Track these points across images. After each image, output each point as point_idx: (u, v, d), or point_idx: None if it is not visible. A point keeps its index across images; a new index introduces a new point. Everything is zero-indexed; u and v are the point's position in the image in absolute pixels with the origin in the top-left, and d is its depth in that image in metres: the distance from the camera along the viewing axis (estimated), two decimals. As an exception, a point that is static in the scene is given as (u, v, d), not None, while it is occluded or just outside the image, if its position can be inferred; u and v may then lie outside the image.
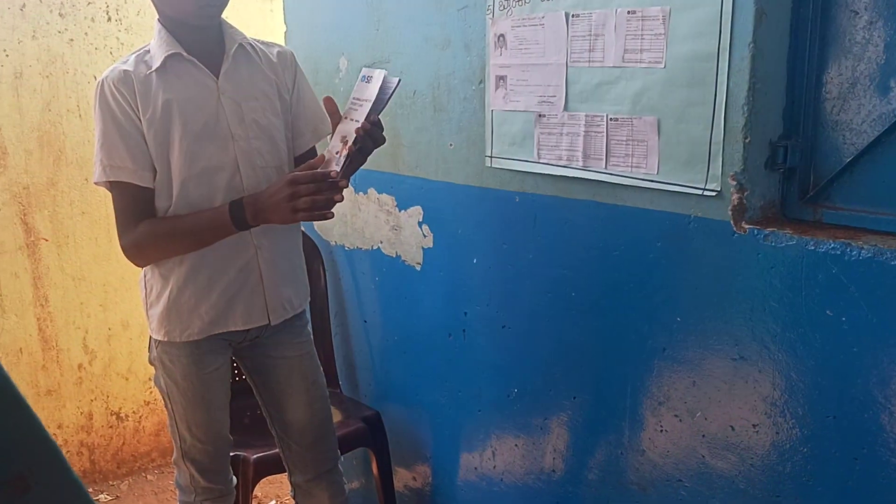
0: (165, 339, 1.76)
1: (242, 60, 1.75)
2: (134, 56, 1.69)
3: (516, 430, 2.06)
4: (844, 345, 1.38)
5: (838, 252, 1.37)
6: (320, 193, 1.55)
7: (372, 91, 1.57)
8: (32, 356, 2.82)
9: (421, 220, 2.20)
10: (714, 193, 1.51)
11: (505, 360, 2.05)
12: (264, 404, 1.94)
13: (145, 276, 1.79)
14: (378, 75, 1.57)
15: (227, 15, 3.13)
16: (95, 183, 1.68)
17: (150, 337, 1.81)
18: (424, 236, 2.20)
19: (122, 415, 3.06)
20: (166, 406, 1.84)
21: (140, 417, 3.11)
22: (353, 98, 1.61)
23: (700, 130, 1.52)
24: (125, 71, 1.64)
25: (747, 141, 1.45)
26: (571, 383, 1.90)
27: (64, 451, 2.95)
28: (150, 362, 1.83)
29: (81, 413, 2.97)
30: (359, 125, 1.56)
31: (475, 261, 2.06)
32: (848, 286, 1.36)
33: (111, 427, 3.05)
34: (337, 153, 1.59)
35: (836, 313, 1.38)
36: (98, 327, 2.95)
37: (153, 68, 1.65)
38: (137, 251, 1.68)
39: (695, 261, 1.58)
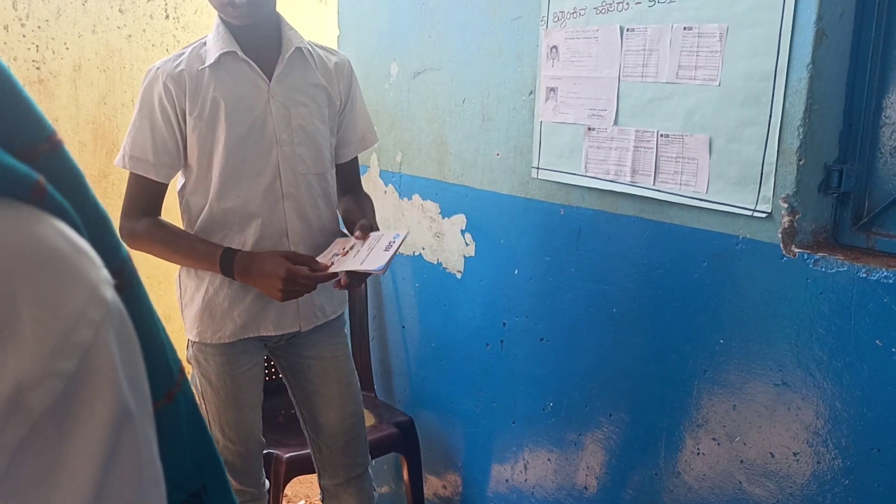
0: (198, 340, 1.77)
1: (297, 64, 1.74)
2: (190, 49, 1.70)
3: (550, 444, 2.04)
4: (893, 376, 1.34)
5: (891, 281, 1.33)
6: (306, 290, 1.63)
7: (388, 254, 1.59)
8: (76, 344, 2.87)
9: (464, 228, 2.20)
10: (764, 215, 1.48)
11: (542, 373, 2.04)
12: (297, 404, 1.94)
13: (181, 276, 1.81)
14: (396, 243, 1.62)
15: (288, 15, 3.18)
16: (116, 164, 1.74)
17: (188, 339, 1.83)
18: (467, 244, 2.20)
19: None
20: (200, 406, 1.84)
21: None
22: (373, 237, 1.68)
23: (753, 150, 1.49)
24: (180, 71, 1.66)
25: (801, 163, 1.43)
26: (608, 400, 1.87)
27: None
28: (188, 360, 1.84)
29: (120, 402, 3.01)
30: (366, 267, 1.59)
31: (516, 271, 2.06)
32: (900, 316, 1.33)
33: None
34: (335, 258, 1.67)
35: (885, 344, 1.35)
36: (140, 319, 2.99)
37: (206, 64, 1.66)
38: (131, 240, 1.70)
39: (741, 282, 1.56)
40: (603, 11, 1.74)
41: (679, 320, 1.68)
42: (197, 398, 1.84)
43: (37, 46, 2.66)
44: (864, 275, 1.37)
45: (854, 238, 1.46)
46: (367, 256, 1.60)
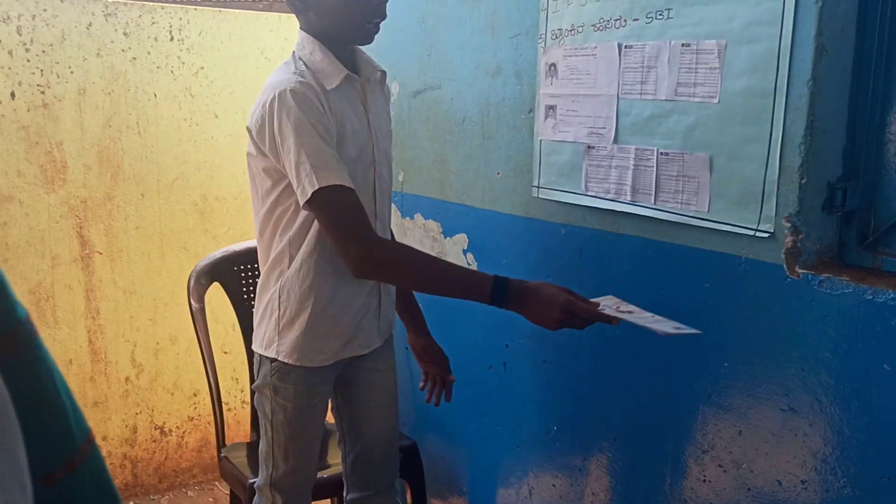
0: (297, 364, 1.69)
1: (378, 88, 1.74)
2: (297, 71, 1.58)
3: (554, 468, 2.00)
4: (902, 402, 1.30)
5: (898, 303, 1.29)
6: (581, 324, 1.52)
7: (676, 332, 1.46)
8: (81, 367, 2.86)
9: (466, 247, 2.17)
10: (767, 235, 1.44)
11: (545, 396, 2.00)
12: (339, 417, 1.90)
13: (279, 297, 1.69)
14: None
15: (286, 36, 3.16)
16: (314, 193, 1.47)
17: (262, 359, 1.74)
18: (468, 264, 2.17)
19: (166, 429, 3.08)
20: (264, 432, 1.77)
21: (183, 433, 3.12)
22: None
23: (754, 169, 1.45)
24: (321, 88, 1.57)
25: (804, 181, 1.39)
26: (612, 424, 1.83)
27: (108, 463, 2.97)
28: (257, 388, 1.76)
29: (126, 426, 2.99)
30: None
31: (518, 293, 2.02)
32: (908, 339, 1.28)
33: (154, 441, 3.07)
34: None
35: (894, 368, 1.30)
36: (146, 341, 2.98)
37: (330, 87, 1.58)
38: (377, 266, 1.55)
39: (744, 304, 1.51)
40: (600, 28, 1.71)
41: (683, 343, 1.64)
42: (263, 425, 1.77)
43: (41, 71, 2.67)
44: (871, 297, 1.32)
45: (860, 258, 1.42)
46: (652, 322, 1.49)
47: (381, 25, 1.64)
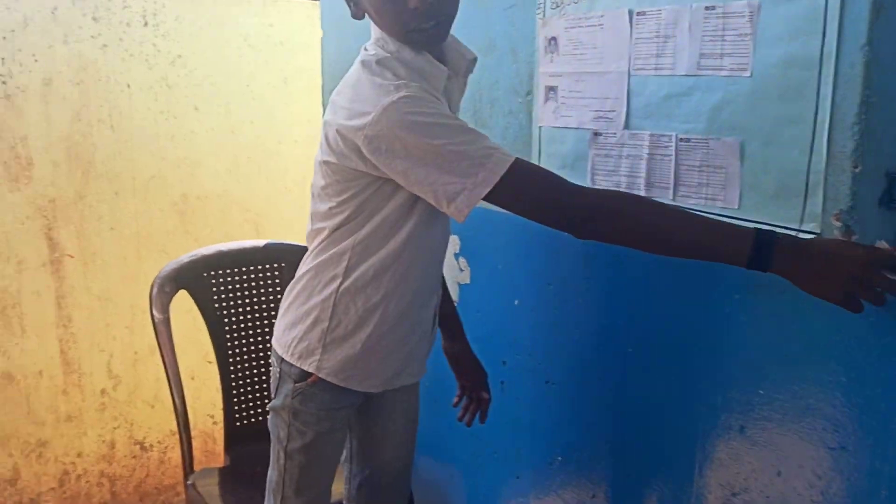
0: (342, 385, 1.48)
1: (464, 81, 1.54)
2: (397, 76, 1.35)
3: (559, 503, 1.75)
4: None
5: (981, 321, 1.03)
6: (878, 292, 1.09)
7: None
8: (53, 380, 2.65)
9: (458, 251, 1.92)
10: (812, 236, 1.18)
11: (548, 422, 1.75)
12: (349, 432, 1.69)
13: (332, 306, 1.45)
14: None
15: (271, 22, 2.92)
16: (500, 180, 1.25)
17: (283, 375, 1.51)
18: (461, 270, 1.92)
19: (147, 444, 2.87)
20: (276, 459, 1.55)
21: (166, 448, 2.91)
22: None
23: (795, 156, 1.19)
24: (422, 86, 1.34)
25: (857, 170, 1.12)
26: (627, 458, 1.58)
27: (83, 482, 2.72)
28: (273, 409, 1.53)
29: (103, 441, 2.78)
30: None
31: (517, 302, 1.77)
32: None
33: (134, 457, 2.85)
34: None
35: (976, 403, 1.04)
36: (124, 351, 2.76)
37: (440, 90, 1.39)
38: (621, 210, 1.25)
39: (784, 319, 1.25)
40: (608, -7, 1.46)
41: (709, 364, 1.38)
42: (276, 451, 1.54)
43: (2, 59, 2.45)
44: (944, 313, 1.06)
45: (928, 264, 1.15)
46: None
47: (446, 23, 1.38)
